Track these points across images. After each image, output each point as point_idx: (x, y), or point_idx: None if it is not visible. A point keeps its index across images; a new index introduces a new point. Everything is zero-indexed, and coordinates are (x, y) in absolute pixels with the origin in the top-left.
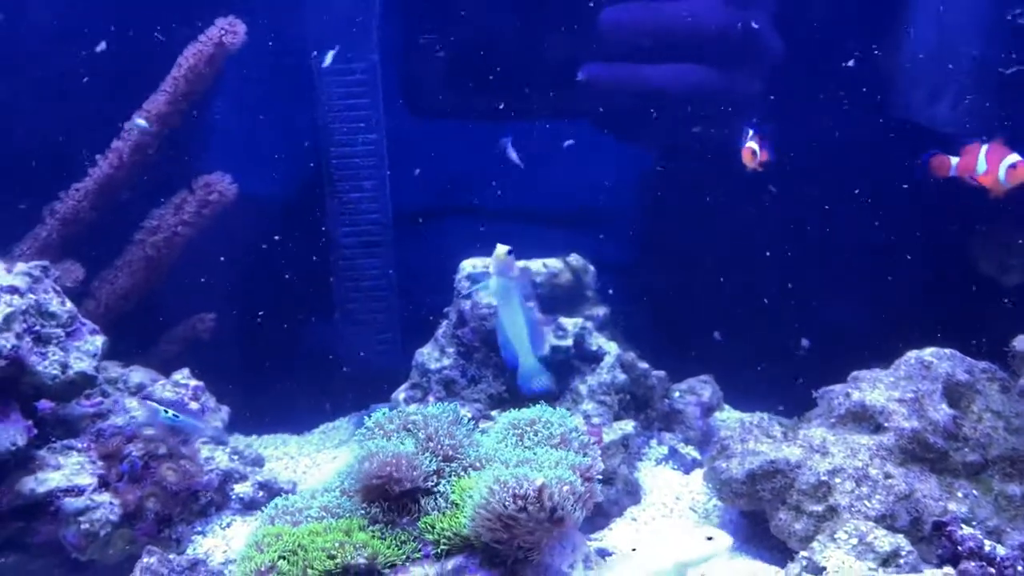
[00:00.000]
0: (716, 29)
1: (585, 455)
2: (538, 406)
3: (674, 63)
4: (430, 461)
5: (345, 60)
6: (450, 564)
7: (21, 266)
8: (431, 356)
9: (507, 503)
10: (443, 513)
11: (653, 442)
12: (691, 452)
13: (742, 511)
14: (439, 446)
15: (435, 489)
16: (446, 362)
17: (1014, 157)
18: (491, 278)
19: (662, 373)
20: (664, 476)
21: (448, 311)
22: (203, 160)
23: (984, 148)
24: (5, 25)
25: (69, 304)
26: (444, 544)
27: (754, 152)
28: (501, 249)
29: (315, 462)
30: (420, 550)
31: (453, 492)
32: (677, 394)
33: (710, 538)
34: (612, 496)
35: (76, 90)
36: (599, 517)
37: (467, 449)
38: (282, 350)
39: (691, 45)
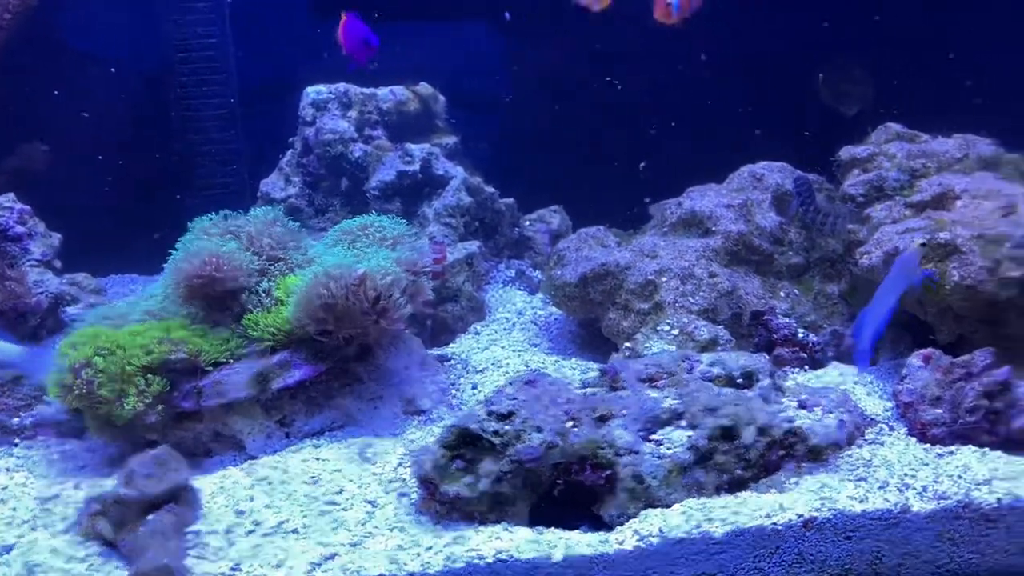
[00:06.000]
0: None
1: (415, 253)
2: (371, 215)
3: None
4: (252, 260)
5: None
6: (275, 359)
7: None
8: (276, 185)
9: (328, 291)
10: (268, 310)
11: (502, 266)
12: (538, 275)
13: (580, 322)
14: (261, 245)
15: (259, 288)
16: (291, 191)
17: None
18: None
19: (511, 200)
20: (510, 295)
21: (293, 140)
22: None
23: None
24: None
25: None
26: (269, 340)
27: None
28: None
29: None
30: (245, 347)
31: (277, 289)
32: (528, 223)
33: None
34: (457, 312)
35: None
36: (445, 333)
37: (293, 252)
38: (125, 187)
39: None
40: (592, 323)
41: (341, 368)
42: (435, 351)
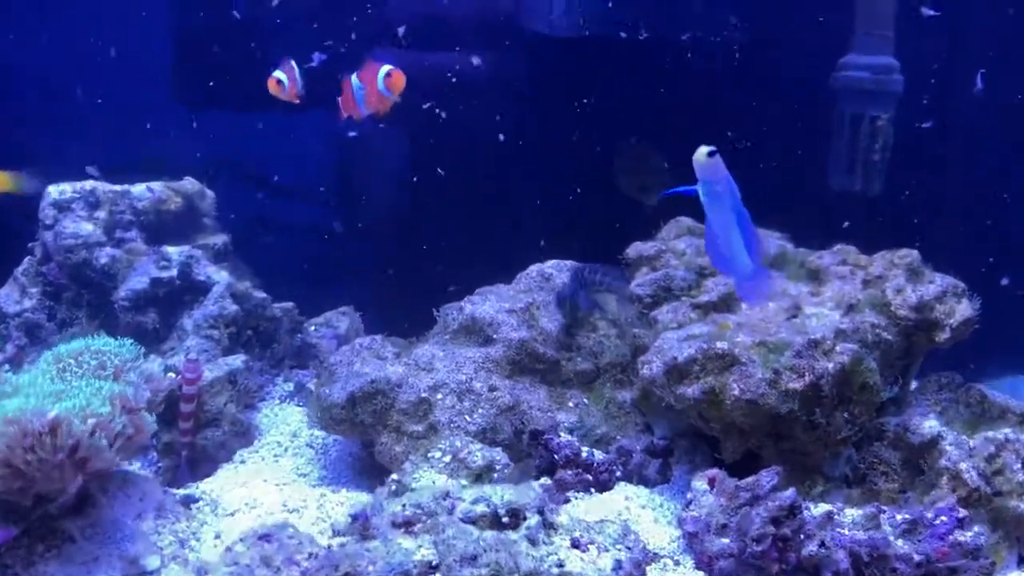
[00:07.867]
0: None
1: (134, 386)
2: (95, 337)
3: None
4: None
5: None
6: None
7: None
8: (9, 298)
9: (11, 444)
10: None
11: (280, 379)
12: None
13: (363, 443)
14: None
15: None
16: (28, 304)
17: (387, 66)
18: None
19: (289, 305)
20: (286, 414)
21: (33, 246)
22: None
23: (354, 76)
24: None
25: None
26: None
27: (280, 82)
28: (701, 151)
29: None
30: None
31: None
32: (313, 328)
33: None
34: (219, 439)
35: None
36: (206, 463)
37: None
38: None
39: None
40: (373, 444)
41: (47, 527)
42: (182, 491)
